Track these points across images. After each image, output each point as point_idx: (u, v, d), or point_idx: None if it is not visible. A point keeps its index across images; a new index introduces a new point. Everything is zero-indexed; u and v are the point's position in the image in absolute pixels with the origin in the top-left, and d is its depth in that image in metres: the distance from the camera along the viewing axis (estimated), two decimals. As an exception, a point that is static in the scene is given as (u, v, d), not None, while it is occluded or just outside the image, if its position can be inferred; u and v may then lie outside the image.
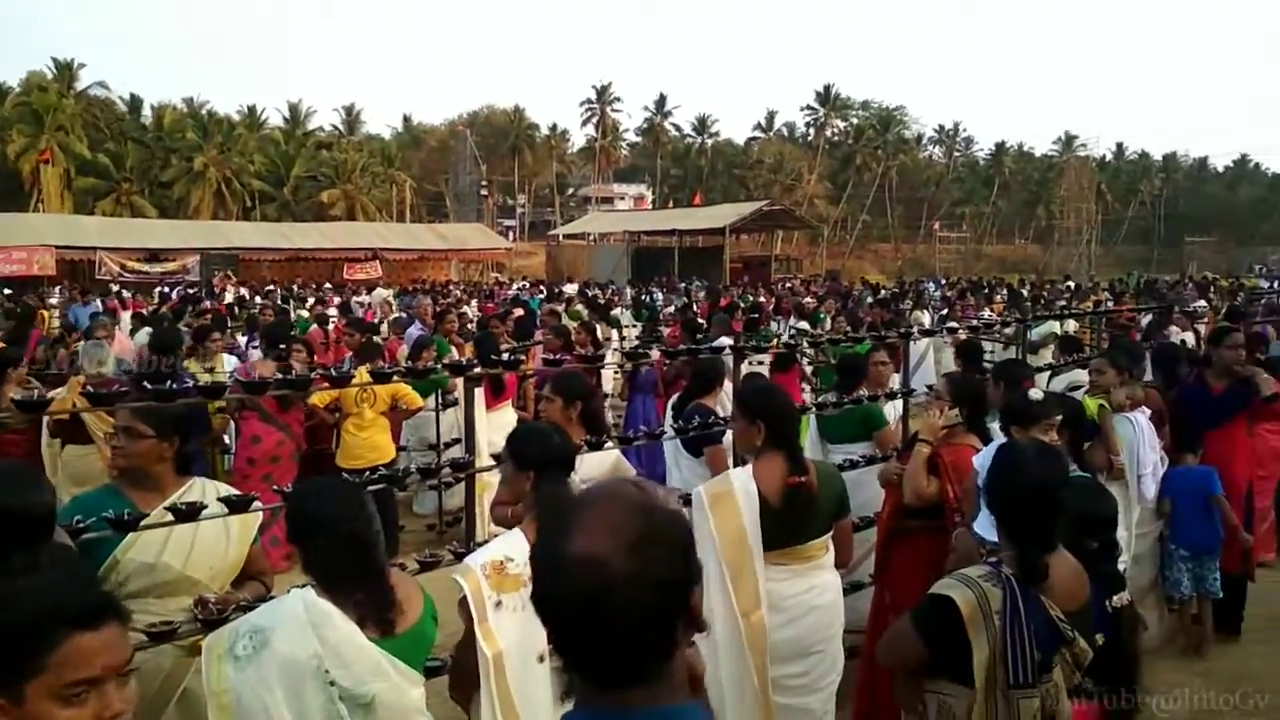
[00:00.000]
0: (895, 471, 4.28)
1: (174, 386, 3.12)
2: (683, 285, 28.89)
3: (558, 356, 5.66)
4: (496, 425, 6.96)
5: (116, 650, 1.65)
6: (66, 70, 57.10)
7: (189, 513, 2.99)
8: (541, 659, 2.66)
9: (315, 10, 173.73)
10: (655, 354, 6.43)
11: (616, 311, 16.96)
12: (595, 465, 3.87)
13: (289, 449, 7.09)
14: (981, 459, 3.50)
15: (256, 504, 3.25)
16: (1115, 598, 3.13)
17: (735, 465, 4.45)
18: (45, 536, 2.46)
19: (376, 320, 14.79)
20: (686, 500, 4.11)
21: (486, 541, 3.16)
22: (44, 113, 51.38)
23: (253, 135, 62.58)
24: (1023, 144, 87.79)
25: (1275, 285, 25.76)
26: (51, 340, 10.82)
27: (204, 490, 3.25)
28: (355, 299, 22.38)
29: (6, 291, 22.27)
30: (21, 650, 1.58)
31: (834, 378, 6.73)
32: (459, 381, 5.31)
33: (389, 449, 7.33)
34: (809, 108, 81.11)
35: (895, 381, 6.40)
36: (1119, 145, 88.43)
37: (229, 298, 21.96)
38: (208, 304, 17.55)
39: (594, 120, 78.01)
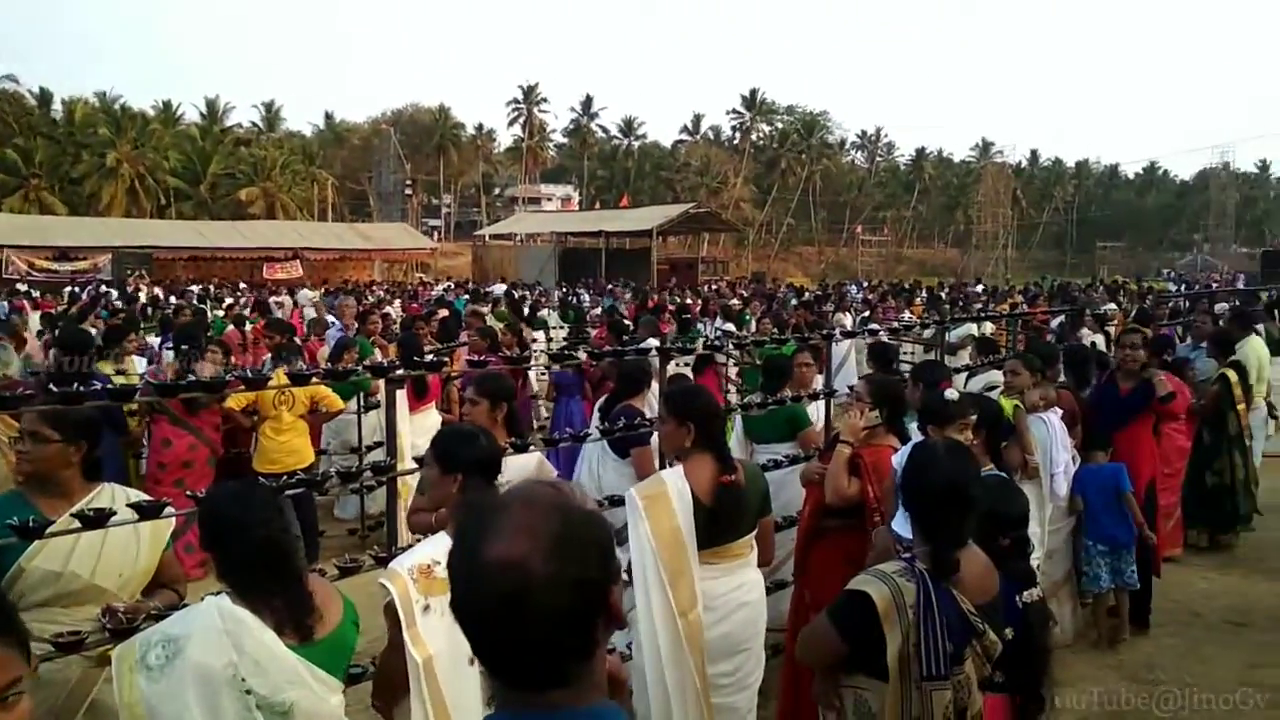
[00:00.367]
0: (817, 471, 4.34)
1: (81, 389, 3.02)
2: (610, 286, 28.90)
3: (483, 358, 5.61)
4: (420, 428, 6.89)
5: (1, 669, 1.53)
6: (-29, 64, 54.96)
7: (97, 519, 2.90)
8: (472, 661, 2.63)
9: (234, 4, 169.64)
10: (582, 355, 6.42)
11: (544, 313, 16.93)
12: (519, 468, 3.85)
13: (202, 454, 6.91)
14: (899, 458, 3.57)
15: (168, 510, 3.17)
16: (1026, 593, 3.22)
17: (661, 466, 4.48)
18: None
19: (306, 320, 14.53)
20: (617, 502, 4.12)
21: (409, 546, 3.12)
22: (-52, 108, 49.49)
23: (168, 131, 61.04)
24: (942, 150, 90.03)
25: (1183, 289, 26.73)
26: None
27: (113, 496, 3.16)
28: (274, 299, 21.94)
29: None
30: None
31: (759, 379, 6.80)
32: (381, 384, 5.24)
33: (308, 453, 7.20)
34: (735, 112, 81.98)
35: (818, 382, 6.49)
36: (1033, 152, 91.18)
37: (142, 298, 21.34)
38: (120, 304, 17.03)
39: (520, 120, 77.67)
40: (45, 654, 2.72)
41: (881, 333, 8.04)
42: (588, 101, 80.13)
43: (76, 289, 24.48)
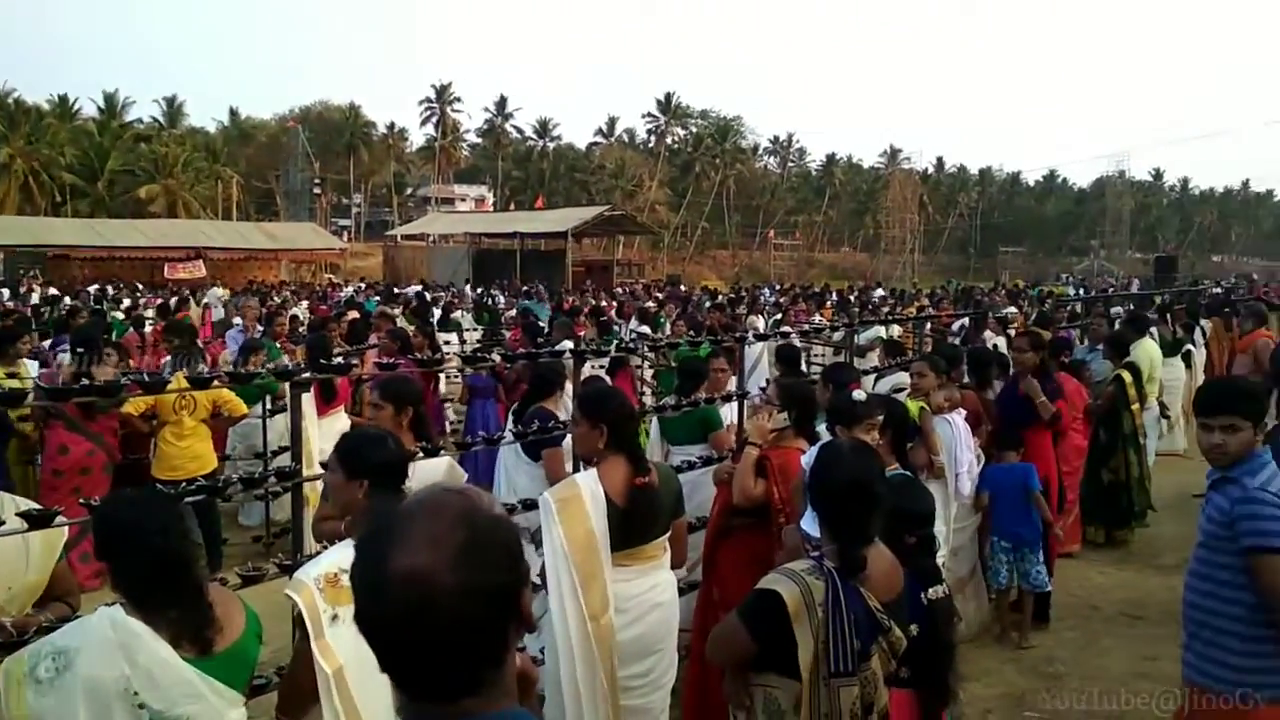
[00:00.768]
0: (726, 472, 4.39)
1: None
2: (526, 288, 28.71)
3: (393, 361, 5.53)
4: (329, 433, 6.73)
5: None
6: None
7: (-18, 530, 2.77)
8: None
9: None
10: (496, 358, 6.37)
11: (457, 314, 16.74)
12: (428, 473, 3.79)
13: (99, 460, 6.67)
14: (808, 459, 3.62)
15: (60, 518, 3.04)
16: (931, 590, 3.29)
17: (575, 468, 4.47)
18: None
19: (216, 320, 14.13)
20: (531, 505, 4.09)
21: (315, 554, 3.05)
22: None
23: (64, 126, 58.86)
24: (852, 156, 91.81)
25: (1081, 293, 27.69)
26: None
27: (1, 505, 3.02)
28: (176, 300, 21.26)
29: None
30: None
31: (674, 381, 6.83)
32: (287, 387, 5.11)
33: (210, 458, 6.99)
34: (650, 115, 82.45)
35: (733, 384, 6.55)
36: (939, 159, 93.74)
37: (35, 298, 20.48)
38: (11, 305, 16.32)
39: (433, 120, 76.84)
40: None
41: (793, 335, 8.15)
42: (502, 102, 79.73)
43: (-37, 289, 23.37)
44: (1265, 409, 3.38)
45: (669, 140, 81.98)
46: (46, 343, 10.84)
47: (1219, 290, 22.92)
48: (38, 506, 3.05)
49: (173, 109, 68.29)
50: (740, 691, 2.76)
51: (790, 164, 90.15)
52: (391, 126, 76.41)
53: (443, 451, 4.15)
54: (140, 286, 26.95)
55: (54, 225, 39.68)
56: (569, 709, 3.42)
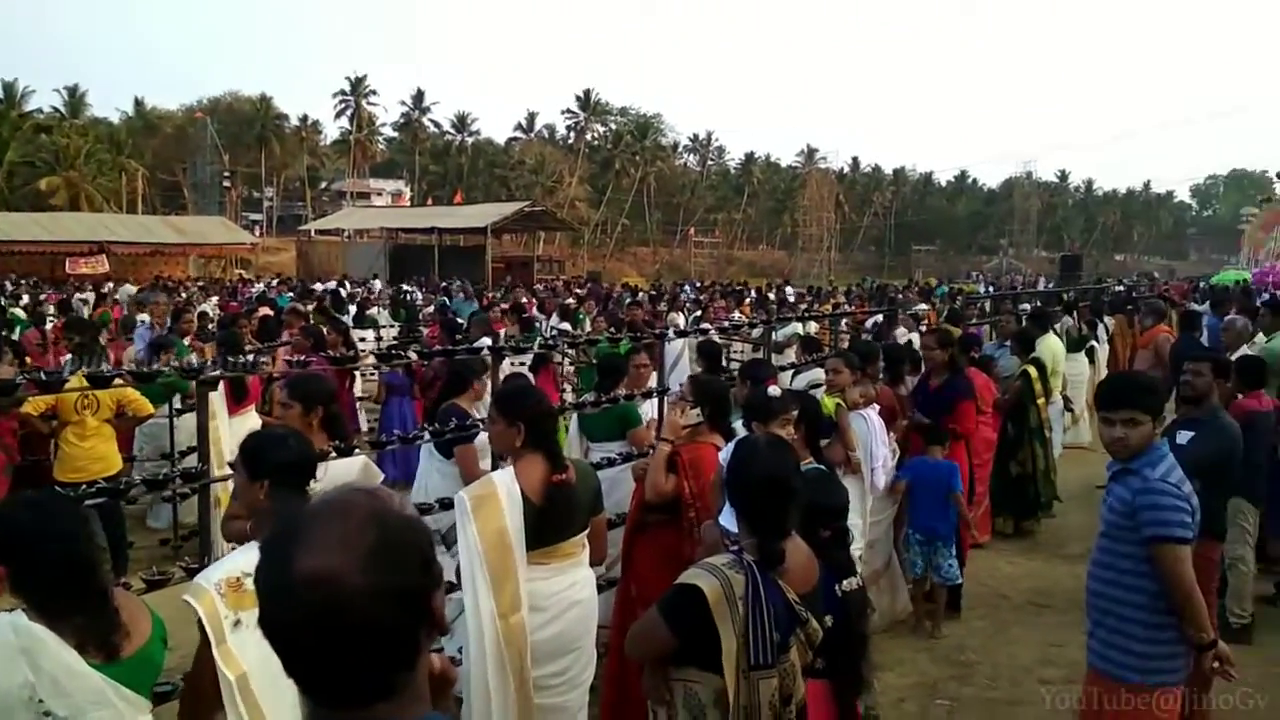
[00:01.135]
0: (642, 468, 4.41)
1: None
2: (444, 284, 28.38)
3: (305, 358, 5.41)
4: (240, 432, 6.53)
5: None
6: None
7: None
8: (290, 674, 2.53)
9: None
10: (412, 355, 6.28)
11: (373, 311, 16.47)
12: (341, 472, 3.72)
13: (-3, 462, 6.40)
14: (726, 454, 3.65)
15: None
16: (845, 582, 3.35)
17: (494, 466, 4.43)
18: None
19: (123, 318, 13.65)
20: (447, 505, 4.04)
21: (223, 557, 2.97)
22: None
23: (-42, 116, 56.14)
24: (770, 155, 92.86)
25: (991, 290, 28.44)
26: None
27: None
28: (78, 296, 20.53)
29: None
30: None
31: (594, 377, 6.83)
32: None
33: (115, 460, 6.74)
34: (569, 111, 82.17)
35: (654, 380, 6.57)
36: (855, 159, 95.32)
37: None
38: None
39: (348, 113, 75.41)
40: None
41: (713, 332, 8.21)
42: (419, 96, 78.66)
43: None
44: (1164, 403, 3.51)
45: (589, 137, 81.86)
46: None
47: (1122, 288, 23.73)
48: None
49: (74, 99, 65.61)
50: (660, 687, 2.76)
51: (710, 162, 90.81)
52: (305, 119, 74.85)
53: (357, 451, 4.07)
54: (40, 282, 25.91)
55: (-53, 218, 37.94)
56: (477, 709, 3.39)
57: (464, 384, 5.60)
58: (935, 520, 6.02)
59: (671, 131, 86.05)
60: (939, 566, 6.04)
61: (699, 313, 16.43)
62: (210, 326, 11.66)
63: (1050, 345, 9.18)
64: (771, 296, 21.84)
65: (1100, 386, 3.88)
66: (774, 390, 4.20)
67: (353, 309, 16.11)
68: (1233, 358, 6.20)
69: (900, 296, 20.11)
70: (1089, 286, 23.70)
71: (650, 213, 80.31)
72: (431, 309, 17.51)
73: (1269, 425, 5.79)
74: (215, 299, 20.65)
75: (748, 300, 19.93)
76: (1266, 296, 15.66)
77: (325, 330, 9.12)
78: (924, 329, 10.75)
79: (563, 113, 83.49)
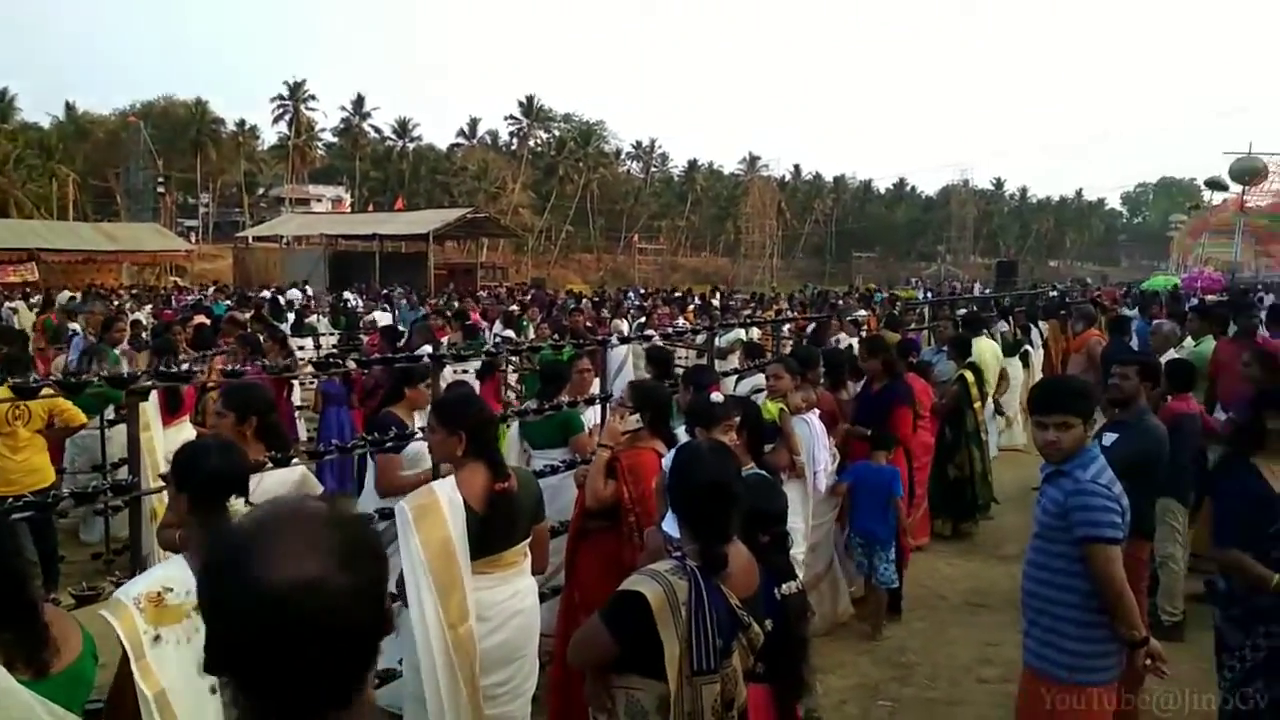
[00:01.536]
0: (585, 474, 4.40)
1: None
2: (385, 291, 28.07)
3: (241, 368, 5.31)
4: (174, 443, 6.40)
5: None
6: None
7: None
8: (214, 690, 2.48)
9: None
10: (350, 364, 6.19)
11: (312, 319, 16.24)
12: (279, 482, 3.66)
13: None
14: (669, 460, 3.66)
15: None
16: (785, 586, 3.37)
17: (435, 474, 4.38)
18: None
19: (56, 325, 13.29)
20: (387, 515, 3.99)
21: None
22: None
23: (-122, 119, 54.35)
24: (713, 162, 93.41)
25: (929, 296, 28.87)
26: None
27: None
28: (7, 305, 19.93)
29: None
30: None
31: (537, 384, 6.79)
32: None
33: (48, 472, 6.54)
34: (512, 117, 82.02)
35: (596, 387, 6.56)
36: (796, 167, 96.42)
37: None
38: None
39: (287, 118, 74.41)
40: None
41: (656, 338, 8.23)
42: (359, 101, 77.89)
43: None
44: (1095, 407, 3.59)
45: (532, 143, 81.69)
46: None
47: (1055, 294, 24.24)
48: None
49: (3, 103, 63.77)
50: (602, 694, 2.75)
51: (653, 169, 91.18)
52: (242, 124, 73.72)
53: (295, 461, 4.01)
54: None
55: None
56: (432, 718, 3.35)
57: (399, 392, 5.53)
58: (875, 524, 6.09)
59: (615, 138, 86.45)
60: (877, 569, 6.11)
61: (643, 319, 16.45)
62: (144, 335, 11.40)
63: (981, 349, 9.33)
64: (715, 303, 21.95)
65: (1033, 391, 3.95)
66: (716, 396, 4.22)
67: (291, 316, 15.87)
68: (1162, 361, 6.36)
69: (841, 303, 20.31)
70: (1024, 292, 24.16)
71: (594, 219, 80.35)
72: (371, 316, 17.28)
73: (1196, 428, 5.95)
74: (149, 307, 20.18)
75: (691, 307, 20.00)
76: (1195, 301, 16.15)
77: (262, 338, 8.97)
78: (864, 334, 10.88)
79: (505, 119, 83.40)
